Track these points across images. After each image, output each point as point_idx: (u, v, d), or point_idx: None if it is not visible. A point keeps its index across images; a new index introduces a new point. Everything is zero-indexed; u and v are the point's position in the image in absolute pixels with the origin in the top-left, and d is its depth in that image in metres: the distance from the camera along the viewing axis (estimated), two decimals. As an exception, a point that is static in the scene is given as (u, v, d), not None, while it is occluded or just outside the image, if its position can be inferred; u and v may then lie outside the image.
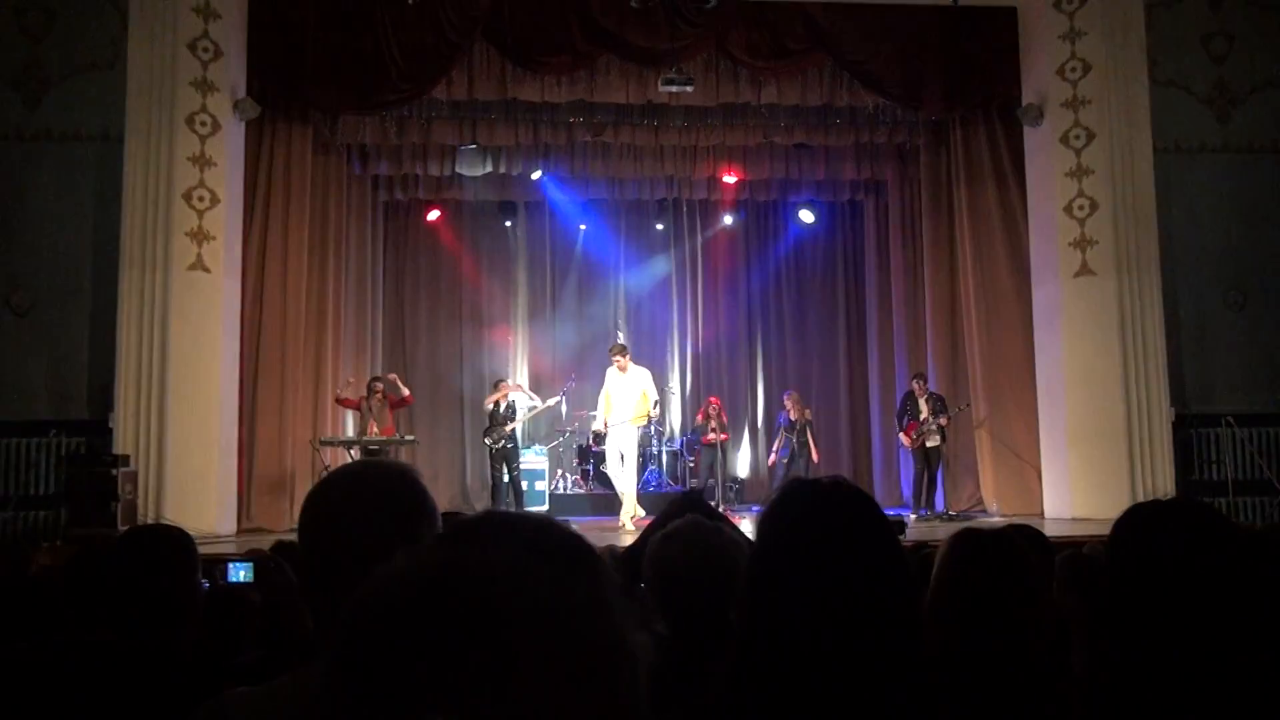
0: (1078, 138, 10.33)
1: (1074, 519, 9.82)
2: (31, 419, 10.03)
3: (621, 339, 13.25)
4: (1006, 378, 11.06)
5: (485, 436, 11.26)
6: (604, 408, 10.86)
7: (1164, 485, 9.90)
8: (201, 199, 9.71)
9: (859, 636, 1.33)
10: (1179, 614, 1.53)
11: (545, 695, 0.63)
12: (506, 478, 11.30)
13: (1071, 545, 4.78)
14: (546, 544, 0.71)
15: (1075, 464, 10.11)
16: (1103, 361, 10.11)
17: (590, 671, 0.66)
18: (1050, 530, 9.23)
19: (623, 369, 10.78)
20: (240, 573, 4.32)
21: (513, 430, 11.38)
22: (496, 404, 11.36)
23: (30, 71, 10.27)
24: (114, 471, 9.05)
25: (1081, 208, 10.29)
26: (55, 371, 10.19)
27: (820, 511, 1.42)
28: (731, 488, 12.81)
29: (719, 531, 2.10)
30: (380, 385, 10.97)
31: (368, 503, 1.36)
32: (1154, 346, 10.16)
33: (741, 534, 2.25)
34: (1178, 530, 1.62)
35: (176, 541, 2.27)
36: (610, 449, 10.94)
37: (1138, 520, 1.71)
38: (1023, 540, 2.41)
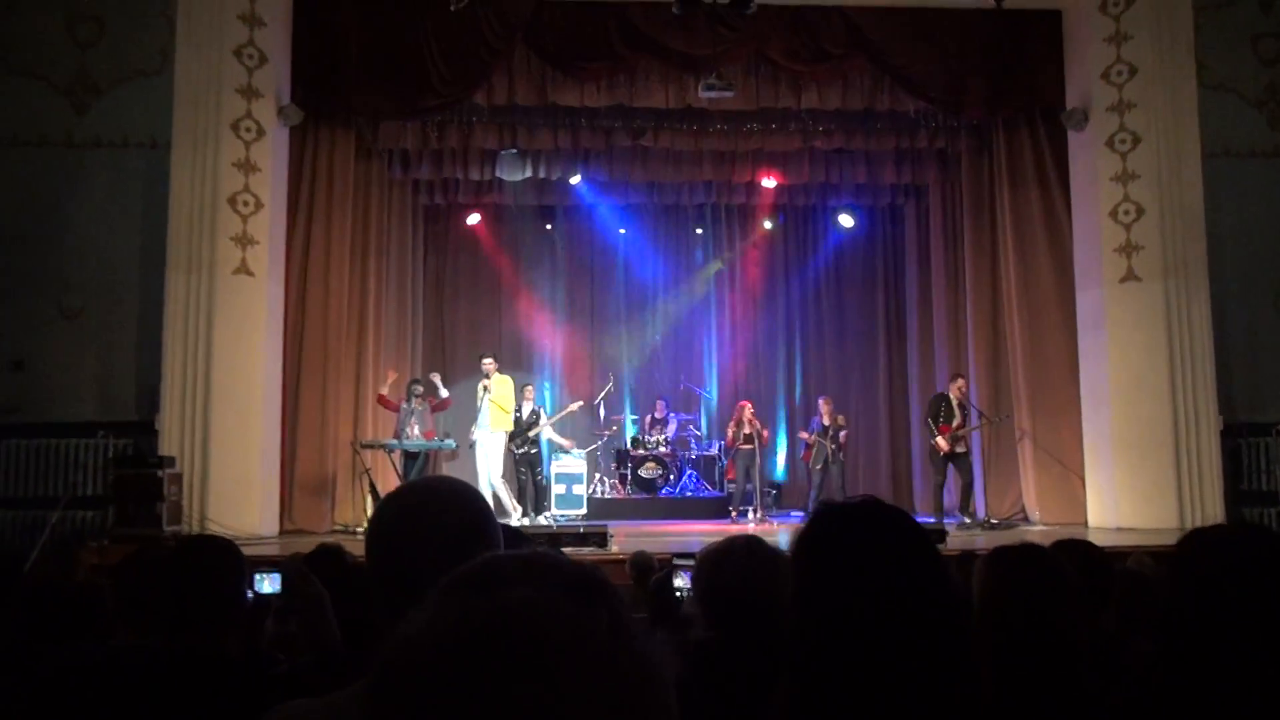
0: (1124, 142, 10.20)
1: (1119, 528, 9.69)
2: (80, 420, 10.20)
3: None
4: (1050, 384, 10.93)
5: (510, 442, 11.34)
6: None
7: (1211, 495, 9.74)
8: (246, 204, 9.83)
9: (906, 657, 1.31)
10: (1244, 642, 1.49)
11: None
12: (533, 484, 11.40)
13: (1117, 556, 4.72)
14: (561, 580, 0.71)
15: (1120, 472, 9.97)
16: (1149, 369, 9.96)
17: (626, 697, 0.66)
18: (1094, 539, 9.12)
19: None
20: (266, 583, 4.20)
21: (536, 436, 11.44)
22: (520, 410, 11.44)
23: (80, 80, 10.45)
24: (159, 473, 9.18)
25: (1127, 212, 10.15)
26: (103, 374, 10.36)
27: (854, 535, 1.39)
28: (769, 493, 12.77)
29: (764, 546, 2.09)
30: (420, 388, 11.04)
31: (431, 522, 1.38)
32: (1202, 353, 9.99)
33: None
34: (1241, 557, 1.58)
35: (226, 551, 2.30)
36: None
37: (1199, 546, 1.67)
38: (1064, 558, 2.36)
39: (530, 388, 11.89)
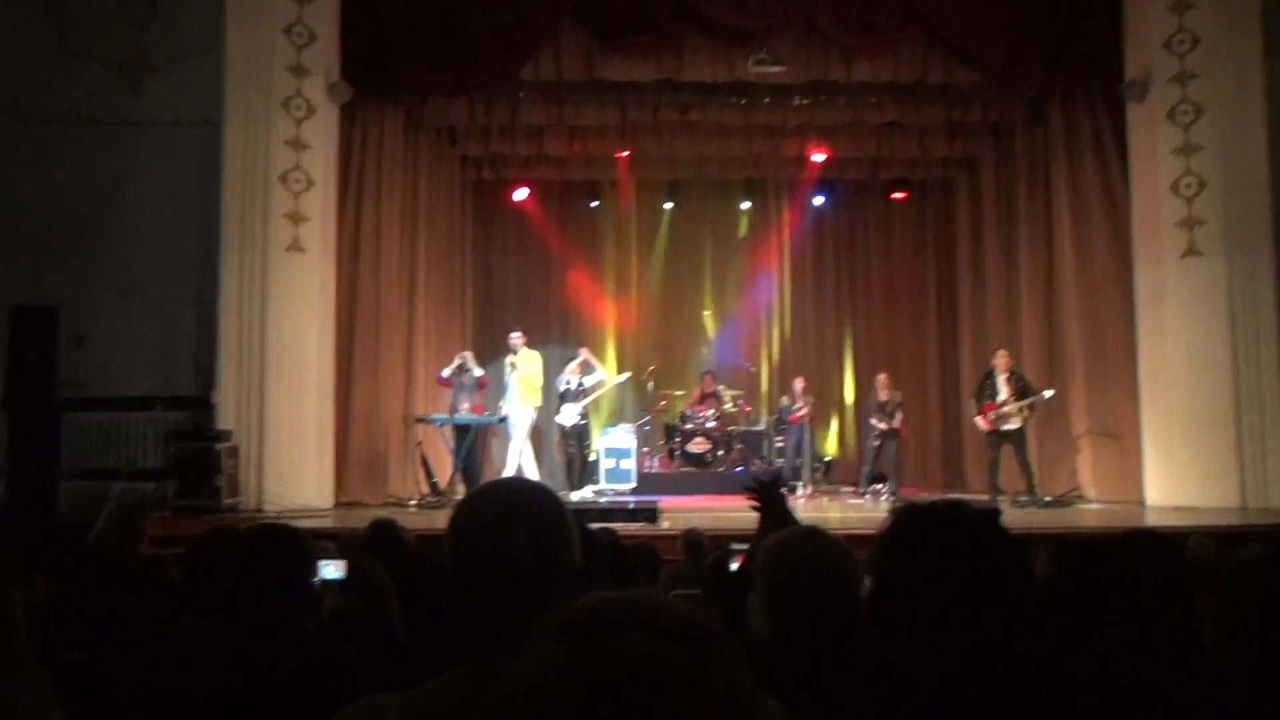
0: (1185, 113, 9.94)
1: (1177, 508, 9.53)
2: (139, 395, 10.41)
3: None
4: (1107, 360, 10.75)
5: (556, 415, 11.38)
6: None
7: (1274, 474, 9.54)
8: (298, 181, 9.92)
9: (992, 665, 1.29)
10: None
11: None
12: (580, 456, 11.45)
13: (1177, 536, 4.64)
14: (669, 626, 0.70)
15: (1180, 451, 9.79)
16: (1210, 345, 9.75)
17: None
18: (1152, 520, 9.00)
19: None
20: (330, 569, 4.20)
21: (584, 409, 11.46)
22: (567, 383, 11.47)
23: (134, 59, 10.59)
24: (217, 446, 9.37)
25: (1189, 186, 9.91)
26: (161, 349, 10.56)
27: (936, 539, 1.37)
28: (818, 468, 12.72)
29: (832, 543, 2.08)
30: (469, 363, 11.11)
31: (511, 521, 1.39)
32: (1266, 329, 9.75)
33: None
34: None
35: (295, 541, 2.34)
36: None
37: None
38: (1132, 551, 2.32)
39: (583, 361, 11.90)
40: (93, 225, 10.52)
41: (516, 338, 11.07)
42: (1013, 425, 10.32)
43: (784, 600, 1.89)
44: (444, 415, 10.90)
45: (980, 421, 10.45)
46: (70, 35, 10.58)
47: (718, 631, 0.71)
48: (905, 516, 1.41)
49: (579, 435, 11.44)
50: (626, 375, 12.17)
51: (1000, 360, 10.51)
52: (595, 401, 12.06)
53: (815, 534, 2.16)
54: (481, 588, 1.38)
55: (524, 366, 10.88)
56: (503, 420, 11.06)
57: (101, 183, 10.56)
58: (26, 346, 10.08)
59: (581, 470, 11.48)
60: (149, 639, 2.41)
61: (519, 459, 10.85)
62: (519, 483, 1.51)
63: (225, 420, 9.69)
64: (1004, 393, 10.31)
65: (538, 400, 11.09)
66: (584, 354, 11.79)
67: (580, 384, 11.58)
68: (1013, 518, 8.68)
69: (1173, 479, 9.86)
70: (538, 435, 12.18)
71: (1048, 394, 10.35)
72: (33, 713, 0.90)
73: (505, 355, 11.26)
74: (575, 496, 10.92)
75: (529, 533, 1.38)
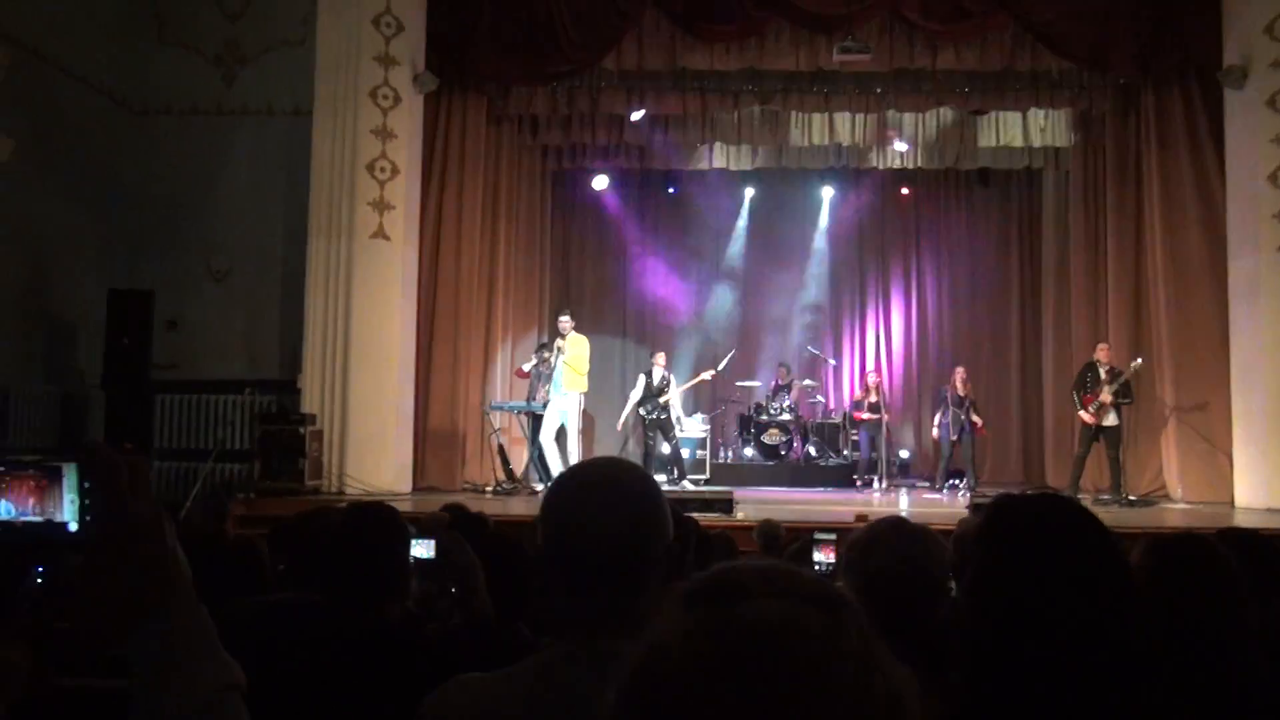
0: (1287, 101, 9.59)
1: (1269, 509, 9.22)
2: (228, 378, 10.71)
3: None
4: (1196, 356, 10.42)
5: (640, 407, 11.36)
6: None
7: (1373, 477, 9.18)
8: (383, 170, 10.09)
9: (1088, 657, 1.28)
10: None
11: None
12: (667, 449, 11.38)
13: (1271, 538, 4.50)
14: (805, 593, 0.70)
15: (1274, 450, 9.46)
16: (1307, 342, 9.41)
17: (877, 718, 0.65)
18: (1242, 520, 8.72)
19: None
20: (420, 548, 4.34)
21: (667, 401, 11.39)
22: (651, 375, 11.42)
23: (229, 50, 10.88)
24: (301, 430, 9.58)
25: (1288, 177, 9.56)
26: (250, 333, 10.86)
27: (1033, 529, 1.37)
28: (894, 463, 12.59)
29: (923, 531, 2.07)
30: (548, 352, 11.17)
31: (615, 506, 1.38)
32: (1367, 326, 9.39)
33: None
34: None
35: (392, 520, 2.39)
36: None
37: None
38: (1230, 549, 2.26)
39: (663, 354, 11.87)
40: (187, 212, 10.85)
41: (565, 321, 10.69)
42: (1111, 421, 10.10)
43: (873, 589, 1.89)
44: (520, 403, 10.99)
45: (1083, 415, 10.23)
46: (168, 27, 10.92)
47: (848, 599, 0.71)
48: (1004, 505, 1.40)
49: (661, 427, 11.35)
50: (710, 373, 12.09)
51: (1101, 353, 10.32)
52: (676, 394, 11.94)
53: (902, 523, 2.16)
54: (574, 566, 1.37)
55: (571, 351, 10.50)
56: (545, 405, 10.65)
57: (196, 170, 10.88)
58: (123, 329, 10.43)
59: (676, 465, 11.36)
60: (243, 615, 2.48)
61: (553, 445, 10.51)
62: (611, 461, 1.50)
63: (309, 404, 9.91)
64: (1105, 388, 10.10)
65: (583, 386, 10.76)
66: (661, 360, 11.67)
67: (664, 376, 11.46)
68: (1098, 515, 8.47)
69: (1265, 480, 9.54)
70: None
71: (1136, 364, 10.10)
72: (198, 645, 0.96)
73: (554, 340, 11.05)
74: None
75: (621, 510, 1.37)
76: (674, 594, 0.71)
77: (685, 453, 11.84)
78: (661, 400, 11.31)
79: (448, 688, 1.40)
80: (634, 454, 12.99)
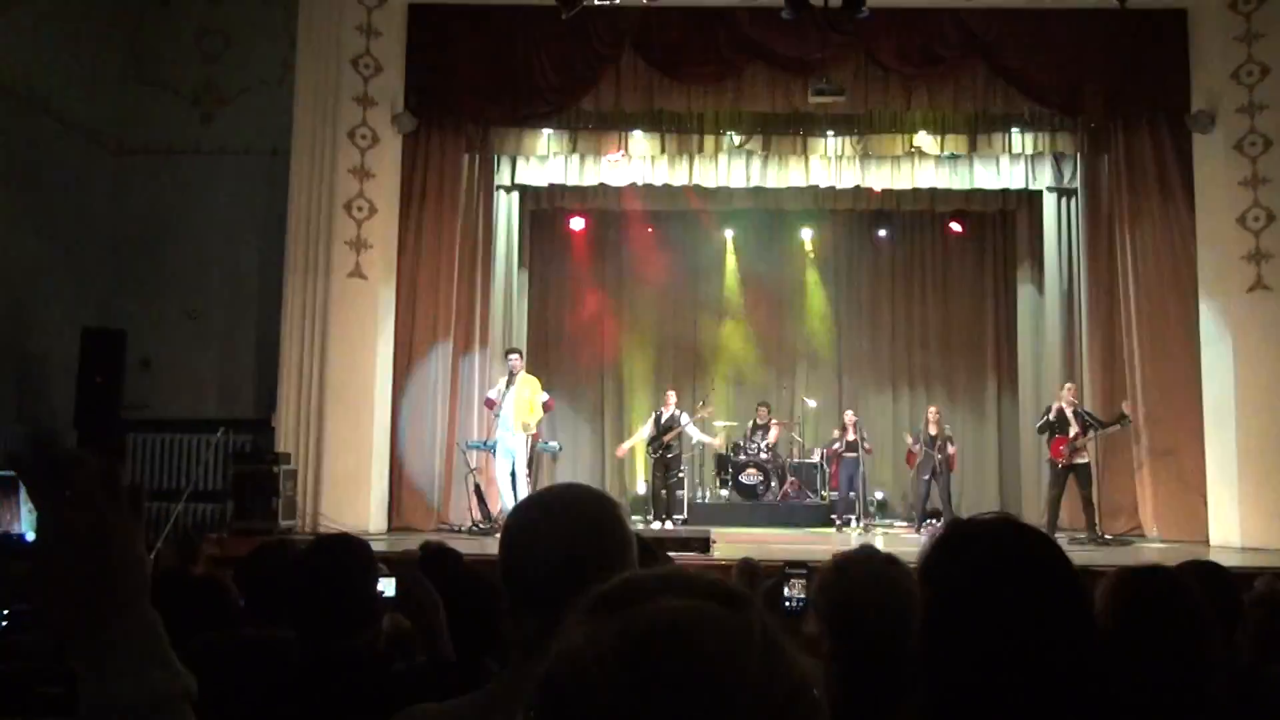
0: (1254, 145, 9.77)
1: (1243, 548, 9.27)
2: (202, 417, 10.61)
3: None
4: (1169, 396, 10.50)
5: (649, 445, 11.39)
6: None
7: (1345, 516, 9.25)
8: (360, 209, 10.11)
9: (1041, 681, 1.27)
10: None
11: None
12: (664, 491, 11.38)
13: (1244, 578, 4.51)
14: (707, 590, 0.71)
15: (1246, 490, 9.54)
16: (1277, 381, 9.51)
17: (783, 704, 0.66)
18: (1217, 559, 8.73)
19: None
20: (382, 585, 4.24)
21: (672, 442, 11.39)
22: (659, 414, 11.41)
23: (207, 90, 10.90)
24: (275, 469, 9.50)
25: (1257, 219, 9.73)
26: (224, 372, 10.79)
27: (987, 554, 1.35)
28: (871, 502, 12.59)
29: (892, 561, 2.06)
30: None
31: (566, 527, 1.37)
32: (1336, 366, 9.51)
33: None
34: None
35: (361, 551, 2.36)
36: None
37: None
38: (1194, 581, 2.26)
39: (673, 393, 11.90)
40: (162, 250, 10.80)
41: (515, 360, 10.58)
42: (1082, 459, 10.17)
43: (841, 617, 1.88)
44: (495, 441, 10.93)
45: (1052, 457, 10.28)
46: (146, 67, 10.94)
47: (749, 596, 0.72)
48: (956, 530, 1.39)
49: (665, 466, 11.40)
50: (710, 409, 12.18)
51: (1066, 394, 10.37)
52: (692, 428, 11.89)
53: (873, 553, 2.15)
54: (522, 588, 1.36)
55: (522, 390, 10.36)
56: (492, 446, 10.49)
57: (172, 209, 10.85)
58: (95, 368, 10.33)
59: (669, 503, 11.36)
60: (209, 651, 2.44)
61: (510, 485, 10.28)
62: (570, 487, 1.49)
63: (285, 443, 9.84)
64: (1074, 427, 10.15)
65: (533, 427, 10.56)
66: (671, 399, 11.71)
67: (673, 415, 11.48)
68: (1071, 555, 8.47)
69: (1238, 519, 9.61)
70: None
71: (1124, 419, 10.21)
72: (139, 649, 0.94)
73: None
74: (657, 526, 10.87)
75: (567, 531, 1.36)
76: (577, 605, 0.72)
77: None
78: (667, 439, 11.30)
79: (400, 718, 1.40)
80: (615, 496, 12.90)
